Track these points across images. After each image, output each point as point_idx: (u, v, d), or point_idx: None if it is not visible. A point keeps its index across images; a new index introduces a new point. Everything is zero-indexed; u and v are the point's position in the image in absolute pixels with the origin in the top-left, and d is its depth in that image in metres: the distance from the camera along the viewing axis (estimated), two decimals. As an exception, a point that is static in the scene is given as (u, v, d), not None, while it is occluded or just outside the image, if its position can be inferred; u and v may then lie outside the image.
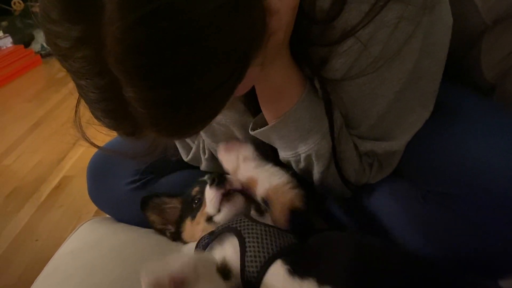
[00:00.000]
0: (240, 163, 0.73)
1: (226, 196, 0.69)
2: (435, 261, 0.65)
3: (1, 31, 3.61)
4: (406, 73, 0.58)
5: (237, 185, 0.72)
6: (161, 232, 0.84)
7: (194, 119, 0.44)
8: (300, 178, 0.72)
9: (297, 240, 0.61)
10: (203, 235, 0.69)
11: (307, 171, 0.71)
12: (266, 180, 0.69)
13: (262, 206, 0.70)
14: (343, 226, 0.82)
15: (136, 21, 0.35)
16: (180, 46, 0.37)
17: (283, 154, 0.71)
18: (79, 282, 0.73)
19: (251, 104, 0.70)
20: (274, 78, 0.61)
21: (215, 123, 0.76)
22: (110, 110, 0.41)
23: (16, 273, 1.36)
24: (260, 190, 0.69)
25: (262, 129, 0.68)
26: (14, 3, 3.71)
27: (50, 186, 1.81)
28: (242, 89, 0.56)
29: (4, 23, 3.66)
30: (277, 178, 0.69)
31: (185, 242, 0.78)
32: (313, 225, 0.70)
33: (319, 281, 0.52)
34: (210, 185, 0.71)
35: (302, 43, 0.59)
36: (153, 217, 0.84)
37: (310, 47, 0.59)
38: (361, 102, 0.63)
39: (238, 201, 0.70)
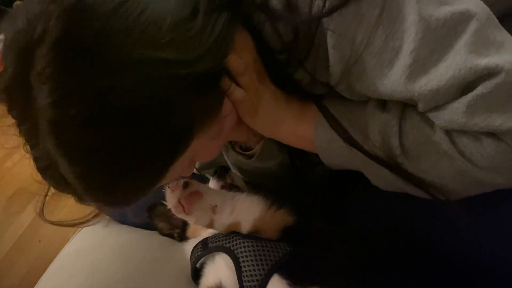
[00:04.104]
0: (212, 216, 0.65)
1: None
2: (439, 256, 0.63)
3: (2, 34, 3.62)
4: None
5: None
6: (169, 236, 0.85)
7: (124, 192, 0.46)
8: (278, 191, 0.71)
9: (292, 247, 0.60)
10: (203, 231, 0.70)
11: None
12: (248, 216, 0.66)
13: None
14: (344, 223, 0.81)
15: (56, 104, 0.39)
16: (107, 128, 0.40)
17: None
18: (82, 283, 0.73)
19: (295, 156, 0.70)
20: (276, 120, 0.59)
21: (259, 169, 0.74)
22: (52, 177, 0.46)
23: (20, 274, 1.36)
24: (246, 227, 0.65)
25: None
26: (17, 6, 3.72)
27: (53, 187, 1.82)
28: (205, 155, 0.59)
29: (6, 25, 3.68)
30: (257, 208, 0.66)
31: (188, 239, 0.78)
32: (309, 227, 0.69)
33: (323, 288, 0.52)
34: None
35: (280, 71, 0.56)
36: (160, 224, 0.85)
37: (292, 68, 0.55)
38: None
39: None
